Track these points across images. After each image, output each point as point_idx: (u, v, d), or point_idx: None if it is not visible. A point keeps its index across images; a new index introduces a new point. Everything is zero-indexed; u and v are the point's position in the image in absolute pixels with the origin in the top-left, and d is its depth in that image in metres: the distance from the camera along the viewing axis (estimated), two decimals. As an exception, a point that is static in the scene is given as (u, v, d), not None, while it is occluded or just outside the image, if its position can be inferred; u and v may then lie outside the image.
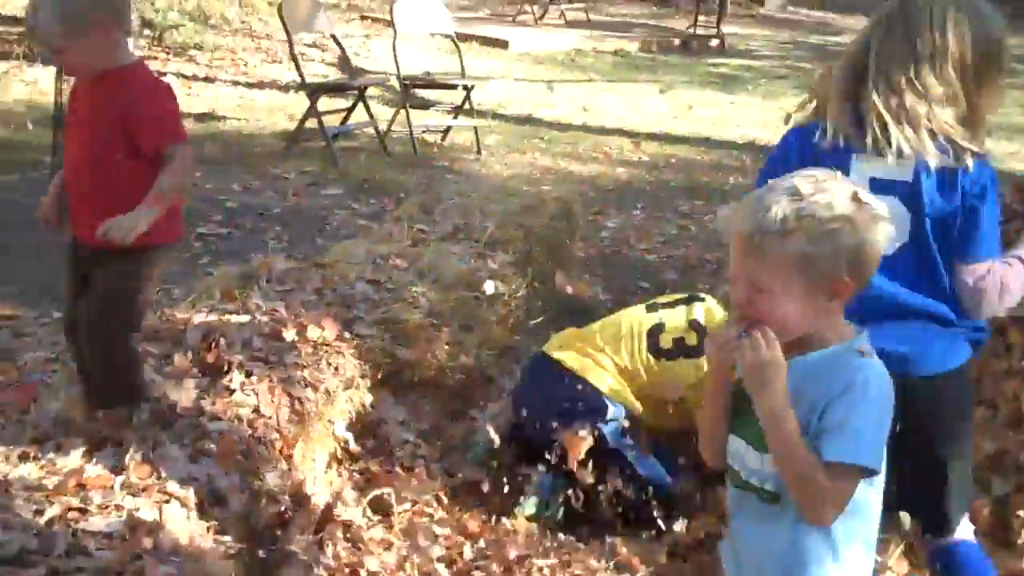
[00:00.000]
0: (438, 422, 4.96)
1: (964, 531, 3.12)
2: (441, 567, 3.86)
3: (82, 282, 3.68)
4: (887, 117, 2.80)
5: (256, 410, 4.01)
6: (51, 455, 3.44)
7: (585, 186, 9.64)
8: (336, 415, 4.51)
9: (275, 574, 3.53)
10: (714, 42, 19.26)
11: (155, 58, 13.00)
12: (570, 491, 4.27)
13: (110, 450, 3.52)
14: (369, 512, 4.11)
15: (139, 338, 3.83)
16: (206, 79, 12.57)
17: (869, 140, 2.81)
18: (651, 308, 4.61)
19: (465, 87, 10.63)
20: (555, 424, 4.28)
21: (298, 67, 9.84)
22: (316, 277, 5.28)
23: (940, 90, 2.80)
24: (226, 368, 4.17)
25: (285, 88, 12.30)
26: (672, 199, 9.43)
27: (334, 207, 8.23)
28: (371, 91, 11.23)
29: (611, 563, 3.95)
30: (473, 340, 5.30)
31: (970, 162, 2.78)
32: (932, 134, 2.78)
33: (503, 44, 17.04)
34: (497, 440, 4.55)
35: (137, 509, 3.20)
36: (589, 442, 4.22)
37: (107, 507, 3.20)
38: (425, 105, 11.05)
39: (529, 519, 4.24)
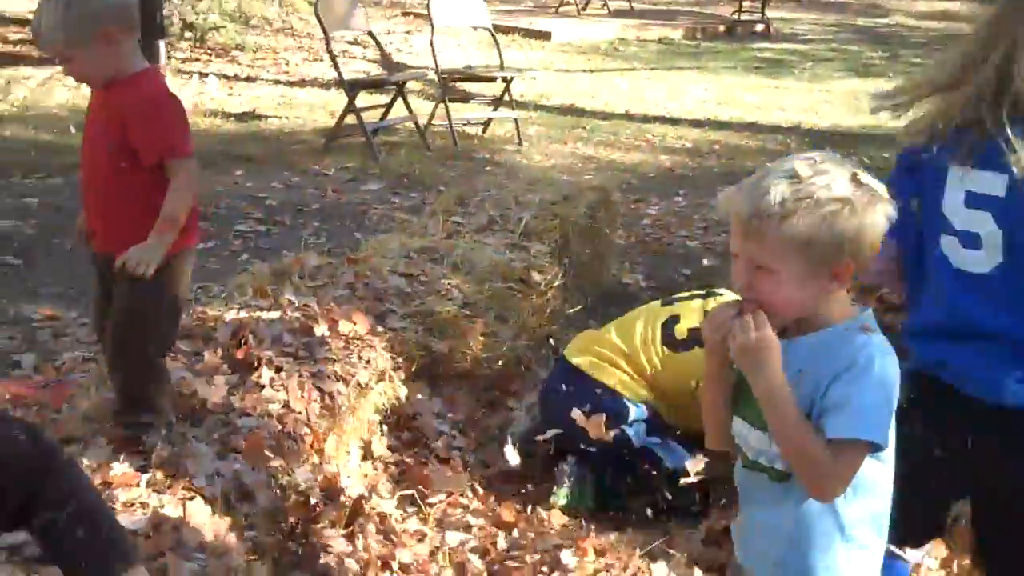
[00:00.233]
0: (473, 413, 4.95)
1: None
2: (475, 558, 3.85)
3: (105, 288, 3.66)
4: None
5: (286, 405, 4.00)
6: (78, 453, 3.44)
7: (627, 174, 9.60)
8: (369, 408, 4.51)
9: (307, 568, 3.52)
10: (759, 27, 19.13)
11: (197, 59, 13.11)
12: (600, 479, 4.26)
13: (136, 448, 3.52)
14: (405, 504, 4.11)
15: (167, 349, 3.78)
16: (248, 79, 12.63)
17: (976, 149, 2.53)
18: (667, 303, 4.60)
19: (504, 79, 10.61)
20: (577, 435, 4.31)
21: (335, 64, 9.87)
22: (349, 272, 5.27)
23: None
24: (256, 364, 4.16)
25: (326, 86, 12.33)
26: (714, 185, 9.31)
27: (373, 201, 8.23)
28: (412, 86, 11.25)
29: (646, 551, 3.91)
30: (508, 331, 5.28)
31: None
32: None
33: (546, 35, 17.00)
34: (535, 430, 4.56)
35: (162, 506, 3.20)
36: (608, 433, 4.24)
37: (132, 505, 3.21)
38: (465, 98, 11.04)
39: (563, 509, 4.23)
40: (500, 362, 5.16)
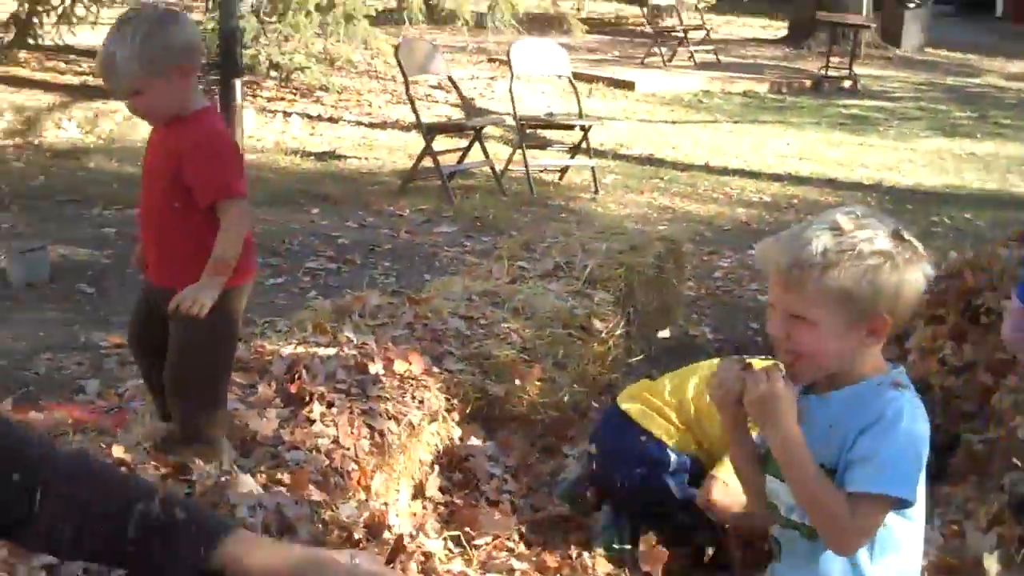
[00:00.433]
0: (527, 458, 4.93)
1: None
2: (515, 601, 3.83)
3: (147, 313, 3.70)
4: None
5: (335, 441, 4.03)
6: (126, 480, 3.48)
7: (702, 226, 9.57)
8: (421, 448, 4.52)
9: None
10: (846, 83, 19.00)
11: (282, 99, 13.32)
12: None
13: (185, 477, 3.55)
14: (450, 544, 4.11)
15: (224, 389, 3.82)
16: (330, 119, 12.81)
17: None
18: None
19: (582, 127, 10.65)
20: (620, 477, 4.30)
21: (413, 107, 9.98)
22: (409, 312, 5.30)
23: None
24: (308, 399, 4.20)
25: (407, 128, 12.45)
26: (790, 240, 9.28)
27: (445, 244, 8.29)
28: (491, 131, 11.33)
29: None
30: (566, 377, 5.28)
31: None
32: None
33: (629, 85, 17.04)
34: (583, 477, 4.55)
35: (200, 534, 3.22)
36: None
37: (173, 532, 3.23)
38: (543, 145, 11.10)
39: (607, 558, 4.20)
40: (556, 408, 5.15)
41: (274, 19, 13.34)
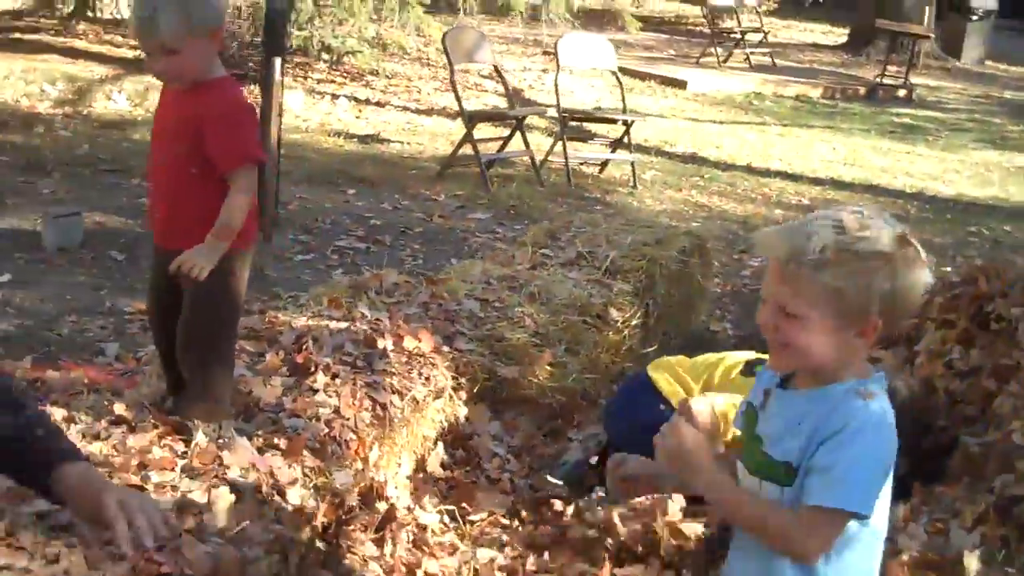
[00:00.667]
0: (531, 440, 5.00)
1: None
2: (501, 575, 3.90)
3: (159, 277, 3.78)
4: None
5: (336, 411, 4.12)
6: (125, 437, 3.59)
7: (736, 225, 9.57)
8: (426, 424, 4.60)
9: (331, 567, 3.61)
10: (901, 92, 18.85)
11: (332, 81, 13.44)
12: None
13: (183, 437, 3.65)
14: (446, 519, 4.18)
15: (228, 350, 3.88)
16: (378, 103, 12.91)
17: None
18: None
19: (625, 122, 10.68)
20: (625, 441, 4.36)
21: (457, 95, 10.04)
22: (425, 292, 5.37)
23: None
24: (313, 369, 4.28)
25: (453, 116, 12.49)
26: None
27: (477, 230, 8.35)
28: (536, 122, 11.37)
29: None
30: (577, 363, 5.33)
31: None
32: None
33: (681, 84, 17.01)
34: (588, 460, 4.60)
35: (190, 491, 3.32)
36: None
37: (163, 487, 3.33)
38: (585, 138, 11.12)
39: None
40: (565, 393, 5.20)
41: (330, 2, 13.44)
